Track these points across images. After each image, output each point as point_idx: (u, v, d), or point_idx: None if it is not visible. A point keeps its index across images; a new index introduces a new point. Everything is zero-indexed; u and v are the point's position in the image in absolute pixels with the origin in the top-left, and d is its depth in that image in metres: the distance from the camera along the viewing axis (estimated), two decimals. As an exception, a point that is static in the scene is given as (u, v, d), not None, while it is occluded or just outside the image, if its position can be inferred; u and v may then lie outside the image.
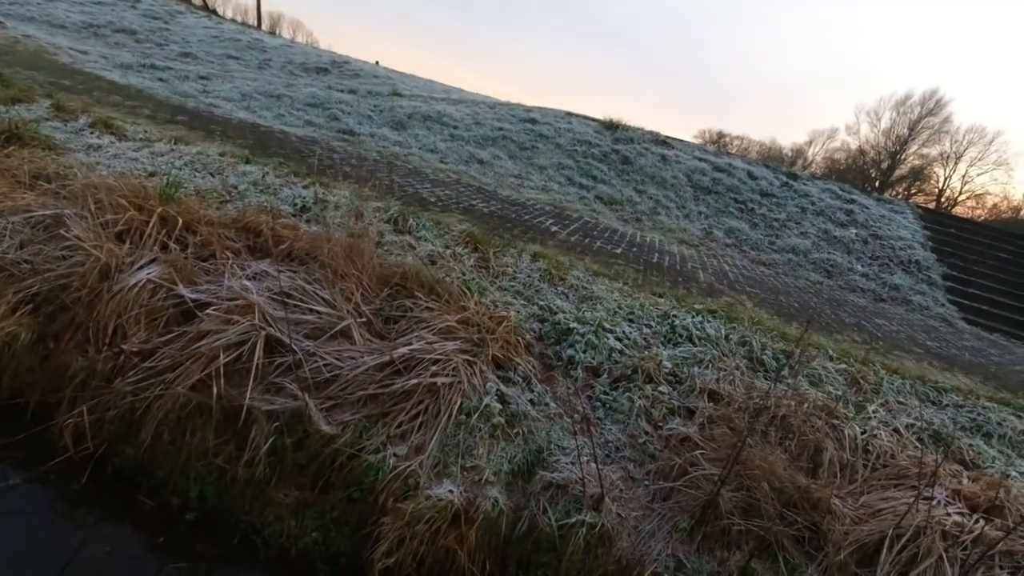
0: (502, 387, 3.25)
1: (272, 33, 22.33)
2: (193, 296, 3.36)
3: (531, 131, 12.04)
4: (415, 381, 3.05)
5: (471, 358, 3.27)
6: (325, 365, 3.14)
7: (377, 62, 23.68)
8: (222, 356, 3.05)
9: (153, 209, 3.74)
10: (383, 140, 9.73)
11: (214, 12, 20.34)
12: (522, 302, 4.20)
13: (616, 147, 12.08)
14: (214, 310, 3.24)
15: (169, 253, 3.59)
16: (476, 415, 3.05)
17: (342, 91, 12.30)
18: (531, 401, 3.31)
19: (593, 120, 13.65)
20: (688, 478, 2.95)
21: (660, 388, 3.54)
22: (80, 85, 7.52)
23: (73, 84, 7.43)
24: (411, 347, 3.18)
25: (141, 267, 3.43)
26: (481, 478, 2.86)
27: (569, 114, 13.99)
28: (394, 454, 2.87)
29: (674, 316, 4.39)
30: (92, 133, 5.30)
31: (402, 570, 2.64)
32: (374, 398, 3.07)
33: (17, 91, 5.67)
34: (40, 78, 7.06)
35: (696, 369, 3.78)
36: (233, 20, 21.09)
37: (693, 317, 4.44)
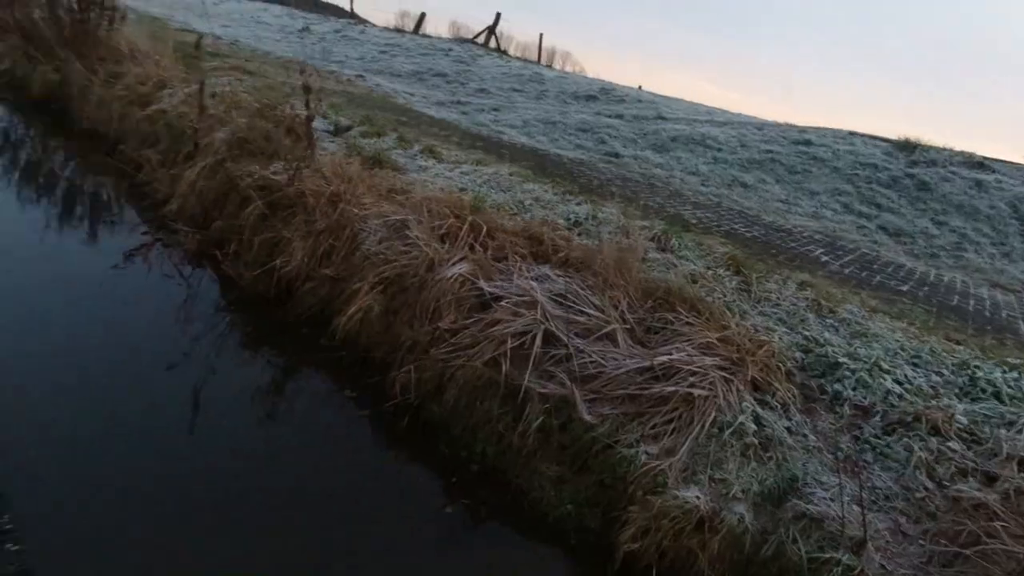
0: (758, 409, 3.26)
1: (549, 66, 24.70)
2: (490, 290, 4.11)
3: (804, 153, 11.15)
4: (672, 388, 3.26)
5: (728, 375, 3.35)
6: (591, 362, 3.55)
7: (640, 86, 24.33)
8: (509, 341, 3.68)
9: (466, 218, 4.66)
10: (645, 162, 10.12)
11: (505, 52, 23.38)
12: (784, 330, 4.08)
13: (911, 171, 10.45)
14: (505, 303, 3.93)
15: (474, 253, 4.43)
16: (729, 431, 3.13)
17: (609, 116, 13.10)
18: (788, 429, 3.24)
19: (883, 140, 12.00)
20: (981, 548, 2.58)
21: (949, 443, 3.12)
22: (411, 120, 9.55)
23: (408, 120, 9.48)
24: (671, 356, 3.41)
25: (454, 263, 4.31)
26: (728, 492, 2.93)
27: (852, 134, 12.54)
28: (646, 452, 3.12)
29: (976, 367, 3.77)
30: (422, 157, 6.76)
31: (644, 557, 2.86)
32: (632, 398, 3.37)
33: (378, 128, 7.55)
34: (389, 117, 9.18)
35: (1003, 431, 3.22)
36: (518, 58, 23.94)
37: (1005, 372, 3.75)
